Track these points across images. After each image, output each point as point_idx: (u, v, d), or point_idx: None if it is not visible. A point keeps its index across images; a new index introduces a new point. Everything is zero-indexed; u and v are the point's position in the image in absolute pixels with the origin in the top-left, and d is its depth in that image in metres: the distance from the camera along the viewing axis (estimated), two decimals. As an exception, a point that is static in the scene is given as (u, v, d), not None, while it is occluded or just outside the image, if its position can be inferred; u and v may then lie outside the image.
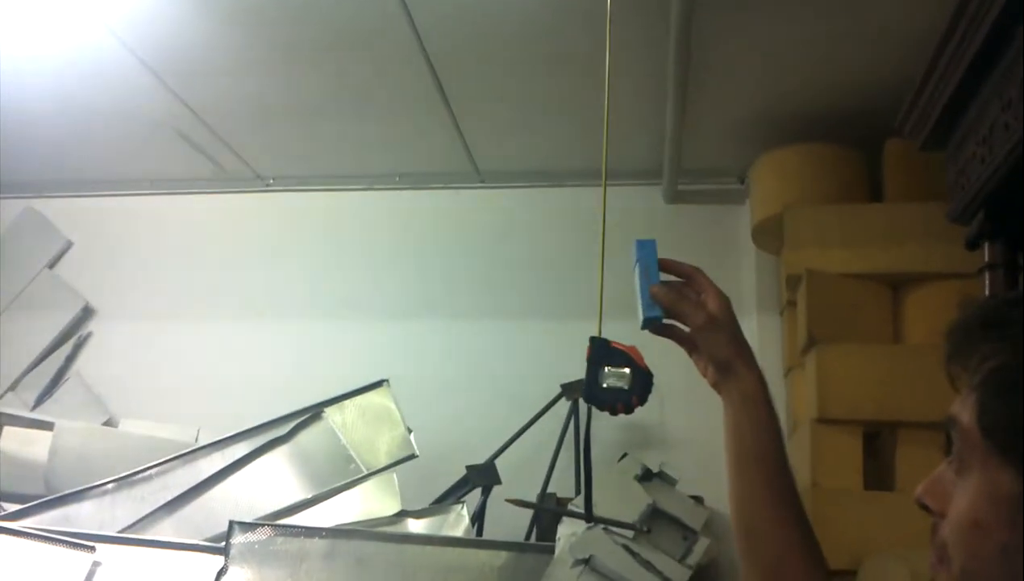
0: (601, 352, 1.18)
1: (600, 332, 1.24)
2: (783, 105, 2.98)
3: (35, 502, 2.82)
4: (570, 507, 2.67)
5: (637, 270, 1.21)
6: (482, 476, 2.92)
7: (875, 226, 2.90)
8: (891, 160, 3.02)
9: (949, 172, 2.19)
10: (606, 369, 1.17)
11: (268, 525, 2.72)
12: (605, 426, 3.04)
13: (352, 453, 2.87)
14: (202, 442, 3.00)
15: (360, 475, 2.84)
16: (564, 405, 3.09)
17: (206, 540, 2.70)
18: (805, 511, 1.12)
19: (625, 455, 2.84)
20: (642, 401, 1.16)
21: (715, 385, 1.13)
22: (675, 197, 3.47)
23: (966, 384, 0.72)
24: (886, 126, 2.66)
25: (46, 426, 3.16)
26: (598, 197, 3.30)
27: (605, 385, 1.16)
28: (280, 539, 2.70)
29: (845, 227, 2.93)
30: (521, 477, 2.96)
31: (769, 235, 3.17)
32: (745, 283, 3.36)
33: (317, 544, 2.71)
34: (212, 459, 2.90)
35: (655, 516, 2.58)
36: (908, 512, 0.76)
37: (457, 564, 2.68)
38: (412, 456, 2.85)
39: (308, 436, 2.93)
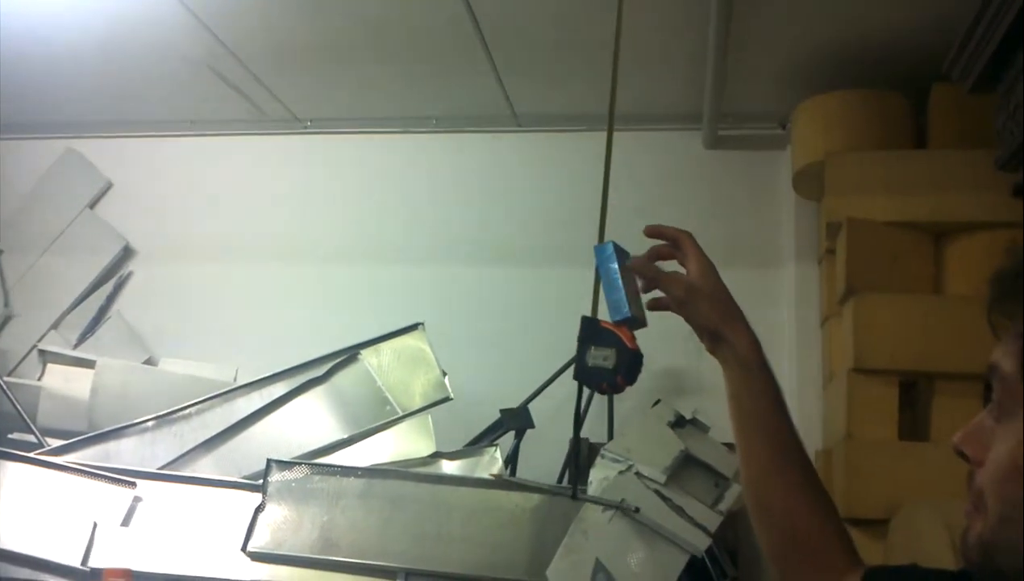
0: (589, 332, 1.19)
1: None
2: (827, 48, 2.92)
3: (77, 439, 2.89)
4: (603, 451, 2.69)
5: (601, 275, 1.22)
6: (516, 419, 2.94)
7: (919, 173, 2.85)
8: (937, 106, 2.95)
9: (998, 117, 2.14)
10: (592, 349, 1.18)
11: (305, 464, 2.76)
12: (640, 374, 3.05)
13: (387, 395, 2.90)
14: (240, 382, 3.04)
15: (395, 416, 2.87)
16: (598, 350, 3.09)
17: (244, 478, 2.76)
18: (816, 475, 1.10)
19: (659, 401, 2.83)
20: (628, 380, 1.17)
21: (710, 351, 1.12)
22: (715, 143, 3.43)
23: (1009, 332, 0.71)
24: (933, 71, 2.61)
25: (88, 364, 3.22)
26: (637, 141, 3.28)
27: (591, 364, 1.17)
28: (317, 478, 2.74)
29: (888, 174, 2.88)
30: (554, 421, 2.98)
31: (810, 182, 3.12)
32: (784, 230, 3.32)
33: (353, 483, 2.75)
34: (250, 398, 2.94)
35: (687, 462, 2.59)
36: (943, 463, 0.75)
37: (490, 505, 2.71)
38: (447, 399, 2.87)
39: (344, 378, 2.96)
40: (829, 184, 2.98)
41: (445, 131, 3.62)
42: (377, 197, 3.65)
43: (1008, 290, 0.72)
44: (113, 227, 3.76)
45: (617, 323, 1.18)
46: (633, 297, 1.24)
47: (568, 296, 3.35)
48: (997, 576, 0.70)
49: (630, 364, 1.18)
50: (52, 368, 3.26)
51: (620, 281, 1.22)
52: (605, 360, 1.19)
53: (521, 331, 3.34)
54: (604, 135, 3.43)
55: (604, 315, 1.27)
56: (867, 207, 2.86)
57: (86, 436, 2.89)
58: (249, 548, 2.62)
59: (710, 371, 3.23)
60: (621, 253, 1.27)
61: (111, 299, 3.70)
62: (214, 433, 2.87)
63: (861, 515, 2.64)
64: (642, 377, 3.09)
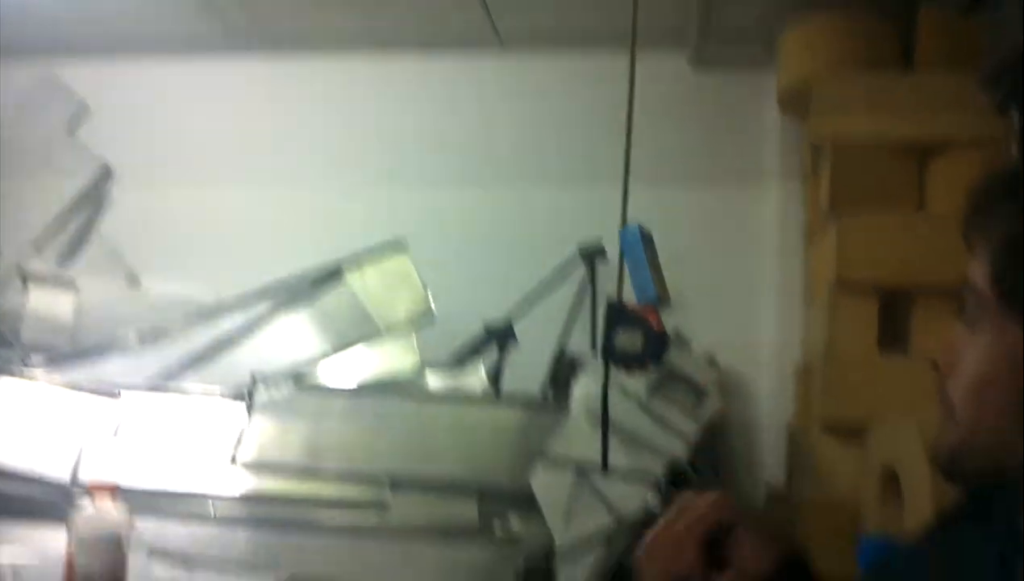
0: (616, 315, 1.20)
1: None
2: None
3: (62, 357, 2.89)
4: (586, 364, 2.72)
5: (626, 258, 1.21)
6: (499, 335, 2.97)
7: (904, 94, 2.85)
8: (924, 28, 2.94)
9: (984, 34, 2.14)
10: (620, 332, 1.19)
11: (289, 381, 2.78)
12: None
13: (371, 312, 2.91)
14: (223, 300, 3.04)
15: (379, 334, 2.89)
16: (581, 267, 3.11)
17: (229, 392, 2.78)
18: None
19: (642, 318, 2.87)
20: (656, 362, 1.18)
21: None
22: (701, 62, 3.40)
23: (983, 248, 0.72)
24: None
25: (70, 284, 3.20)
26: (622, 61, 3.25)
27: (619, 347, 1.19)
28: (302, 394, 2.77)
29: (873, 94, 2.88)
30: (537, 336, 3.00)
31: (796, 102, 3.12)
32: (769, 150, 3.33)
33: (339, 399, 2.78)
34: (234, 317, 2.95)
35: (668, 376, 2.62)
36: (921, 377, 0.77)
37: (475, 420, 2.75)
38: (430, 317, 2.89)
39: (328, 296, 2.97)
40: (814, 104, 2.98)
41: (424, 51, 3.57)
42: (359, 120, 3.61)
43: (981, 208, 0.73)
44: (91, 149, 3.71)
45: (643, 305, 1.18)
46: (657, 278, 1.25)
47: (551, 215, 3.38)
48: (966, 480, 0.72)
49: (657, 346, 1.19)
50: (34, 288, 3.24)
51: (646, 263, 1.22)
52: (633, 343, 1.20)
53: (505, 249, 3.34)
54: (586, 54, 3.44)
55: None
56: (852, 127, 2.86)
57: (70, 354, 2.89)
58: (236, 460, 2.65)
59: (691, 285, 3.28)
60: (644, 235, 1.28)
61: (91, 222, 3.66)
62: (198, 350, 2.88)
63: (840, 426, 2.70)
64: (625, 291, 3.13)
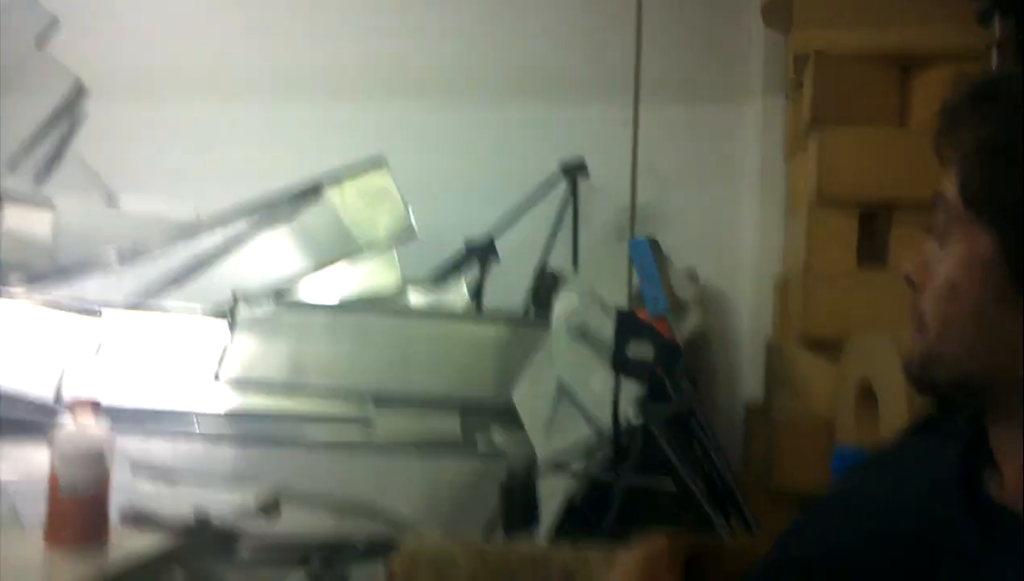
0: (627, 325, 1.19)
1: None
2: None
3: (42, 277, 2.87)
4: (567, 281, 2.73)
5: (638, 271, 1.21)
6: (481, 252, 2.97)
7: (887, 6, 2.82)
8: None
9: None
10: (632, 342, 1.19)
11: (271, 298, 2.78)
12: (603, 206, 3.07)
13: (352, 230, 2.90)
14: (203, 218, 3.01)
15: (360, 252, 2.89)
16: (563, 183, 3.10)
17: (211, 311, 2.78)
18: None
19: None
20: (668, 372, 1.18)
21: None
22: (683, -28, 3.34)
23: (954, 159, 0.72)
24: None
25: (47, 204, 3.17)
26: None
27: (631, 356, 1.19)
28: (284, 311, 2.77)
29: (857, 6, 2.85)
30: (519, 254, 3.00)
31: (778, 14, 3.08)
32: (751, 63, 3.29)
33: (320, 317, 2.79)
34: (214, 235, 2.93)
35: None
36: (898, 292, 0.77)
37: (457, 336, 2.77)
38: (411, 234, 2.88)
39: (308, 214, 2.95)
40: (797, 16, 2.95)
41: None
42: (339, 35, 3.54)
43: (952, 118, 0.73)
44: (63, 65, 3.63)
45: (656, 316, 1.18)
46: (668, 289, 1.25)
47: (534, 131, 3.35)
48: (936, 390, 0.73)
49: (669, 357, 1.19)
50: (10, 207, 3.20)
51: (658, 276, 1.22)
52: (645, 353, 1.20)
53: (486, 164, 3.32)
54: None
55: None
56: (835, 39, 2.84)
57: (50, 274, 2.87)
58: (220, 377, 2.66)
59: (673, 202, 3.28)
60: (655, 247, 1.28)
61: (66, 140, 3.61)
62: (179, 269, 2.87)
63: (817, 339, 2.73)
64: (606, 208, 3.14)
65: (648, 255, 1.25)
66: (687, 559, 0.84)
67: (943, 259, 0.71)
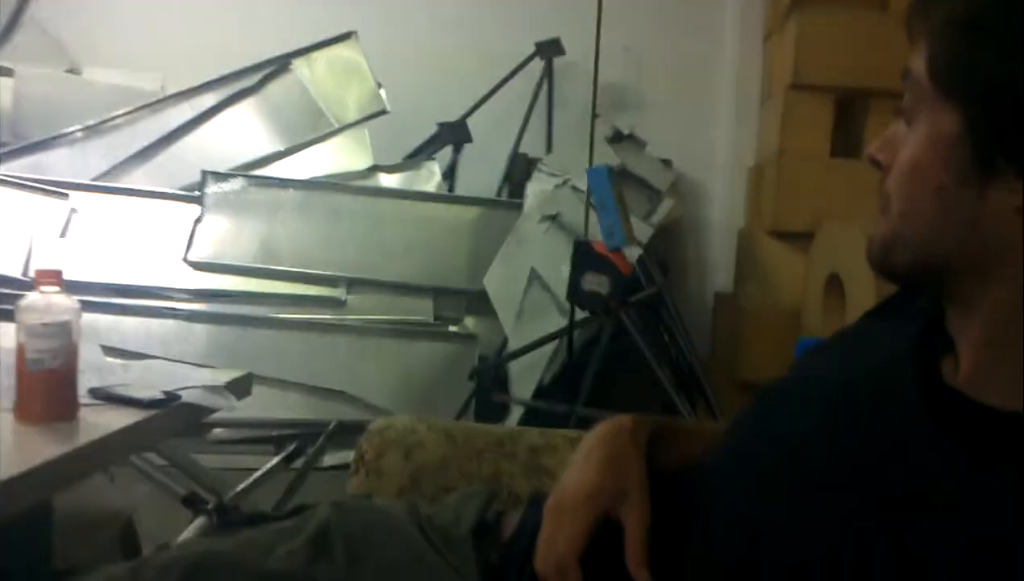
0: (584, 256, 1.17)
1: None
2: None
3: (4, 149, 2.81)
4: (540, 165, 2.71)
5: (595, 199, 1.18)
6: (453, 133, 2.92)
7: None
8: None
9: None
10: (588, 274, 1.16)
11: (241, 175, 2.74)
12: (579, 90, 3.02)
13: (322, 106, 2.85)
14: (168, 92, 2.94)
15: (330, 129, 2.84)
16: (537, 65, 3.04)
17: (179, 189, 2.74)
18: None
19: (597, 116, 2.83)
20: (621, 304, 1.16)
21: None
22: None
23: (922, 36, 0.70)
24: None
25: (6, 72, 3.07)
26: None
27: (586, 289, 1.17)
28: (253, 189, 2.74)
29: None
30: (492, 135, 2.96)
31: None
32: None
33: (291, 195, 2.76)
34: (180, 109, 2.87)
35: (623, 176, 2.62)
36: (871, 183, 0.76)
37: (429, 218, 2.75)
38: (383, 111, 2.83)
39: (277, 89, 2.89)
40: None
41: None
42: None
43: None
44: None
45: (612, 249, 1.16)
46: (625, 219, 1.22)
47: (509, 9, 3.26)
48: (895, 273, 0.73)
49: (623, 288, 1.17)
50: (-34, 76, 3.10)
51: (615, 206, 1.19)
52: (600, 286, 1.18)
53: (460, 43, 3.23)
54: None
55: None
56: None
57: (14, 147, 2.81)
58: (190, 257, 2.65)
59: (650, 87, 3.23)
60: (613, 175, 1.24)
61: (24, 3, 3.47)
62: (146, 144, 2.81)
63: (788, 229, 2.74)
64: (581, 92, 3.09)
65: (606, 184, 1.23)
66: (649, 439, 0.85)
67: (908, 138, 0.71)
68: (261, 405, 2.35)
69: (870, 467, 0.68)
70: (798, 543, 0.68)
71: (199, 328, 2.58)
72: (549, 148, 3.00)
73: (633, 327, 2.32)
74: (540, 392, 2.39)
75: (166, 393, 1.14)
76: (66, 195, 2.67)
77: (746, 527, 0.72)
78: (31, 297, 1.01)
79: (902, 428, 0.69)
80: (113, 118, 2.83)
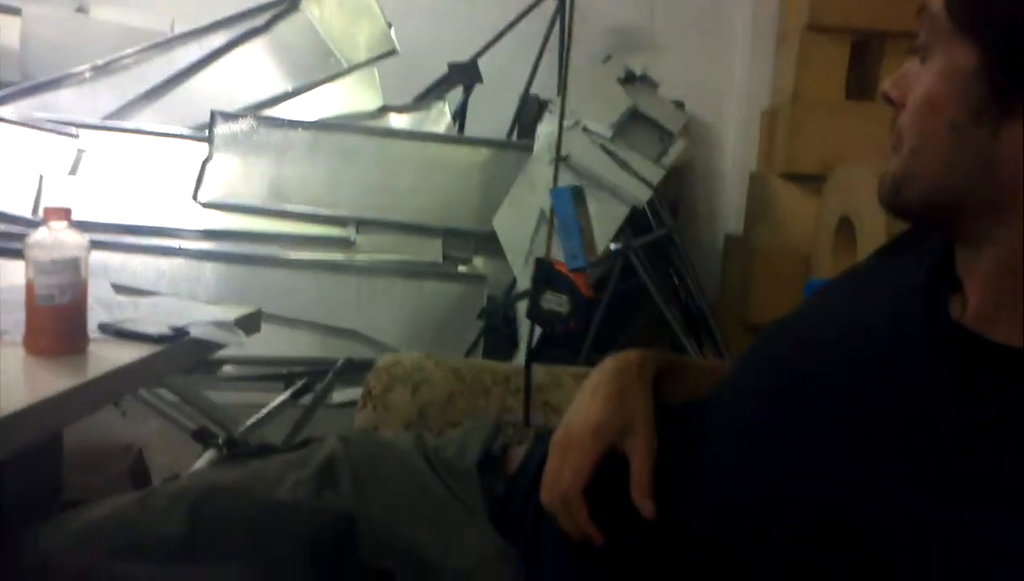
0: (545, 275, 1.17)
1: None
2: None
3: (13, 88, 2.80)
4: (551, 106, 2.68)
5: (558, 221, 1.18)
6: (464, 74, 2.89)
7: None
8: None
9: None
10: (548, 293, 1.16)
11: (250, 116, 2.73)
12: (591, 30, 2.98)
13: (331, 46, 2.82)
14: (177, 31, 2.92)
15: (340, 69, 2.81)
16: (550, 4, 3.00)
17: (189, 129, 2.73)
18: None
19: (609, 57, 2.80)
20: (579, 326, 1.16)
21: None
22: None
23: None
24: None
25: (13, 11, 3.05)
26: None
27: (545, 307, 1.16)
28: (263, 130, 2.72)
29: None
30: (502, 76, 2.93)
31: None
32: None
33: (300, 136, 2.74)
34: (189, 49, 2.84)
35: (634, 118, 2.60)
36: (886, 123, 0.74)
37: (439, 159, 2.73)
38: (392, 52, 2.80)
39: (286, 28, 2.86)
40: None
41: None
42: None
43: None
44: None
45: (573, 270, 1.15)
46: (588, 241, 1.22)
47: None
48: (906, 211, 0.72)
49: (583, 310, 1.17)
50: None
51: (578, 229, 1.18)
52: (560, 305, 1.17)
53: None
54: None
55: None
56: None
57: (22, 86, 2.80)
58: (199, 197, 2.64)
59: (662, 28, 3.19)
60: (577, 196, 1.23)
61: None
62: (154, 84, 2.80)
63: (801, 171, 2.72)
64: (594, 32, 3.06)
65: (569, 205, 1.23)
66: (657, 374, 0.85)
67: (922, 75, 0.69)
68: (271, 343, 2.37)
69: (872, 397, 0.68)
70: (800, 471, 0.68)
71: (208, 267, 2.58)
72: (559, 90, 2.97)
73: (642, 268, 2.33)
74: (548, 333, 2.40)
75: (175, 328, 1.14)
76: (76, 135, 2.67)
77: (750, 458, 0.72)
78: (40, 233, 1.01)
79: (906, 359, 0.69)
80: (121, 58, 2.81)
